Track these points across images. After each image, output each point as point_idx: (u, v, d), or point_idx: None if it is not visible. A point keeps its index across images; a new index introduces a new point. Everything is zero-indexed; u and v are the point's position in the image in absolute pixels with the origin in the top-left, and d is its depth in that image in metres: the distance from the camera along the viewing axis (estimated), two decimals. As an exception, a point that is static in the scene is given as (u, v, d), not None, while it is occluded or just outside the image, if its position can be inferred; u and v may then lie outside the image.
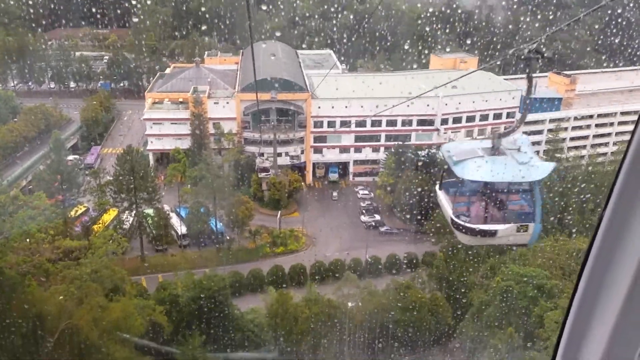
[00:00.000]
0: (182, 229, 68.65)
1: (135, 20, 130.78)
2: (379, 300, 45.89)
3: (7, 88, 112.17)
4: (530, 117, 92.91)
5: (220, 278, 47.85)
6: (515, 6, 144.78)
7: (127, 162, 61.96)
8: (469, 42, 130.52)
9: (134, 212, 64.48)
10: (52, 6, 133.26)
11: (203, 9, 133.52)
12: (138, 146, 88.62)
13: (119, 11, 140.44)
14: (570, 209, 59.46)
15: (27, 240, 43.19)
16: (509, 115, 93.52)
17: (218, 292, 45.18)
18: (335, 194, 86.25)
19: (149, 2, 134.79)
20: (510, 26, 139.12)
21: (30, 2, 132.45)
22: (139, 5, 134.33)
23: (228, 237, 69.72)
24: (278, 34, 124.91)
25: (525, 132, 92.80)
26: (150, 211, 65.97)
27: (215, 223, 69.09)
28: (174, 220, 70.06)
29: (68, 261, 40.91)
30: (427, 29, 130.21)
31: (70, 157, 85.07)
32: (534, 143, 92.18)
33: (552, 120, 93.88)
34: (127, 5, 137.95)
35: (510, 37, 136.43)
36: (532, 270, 42.44)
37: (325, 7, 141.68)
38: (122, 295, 42.44)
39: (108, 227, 63.71)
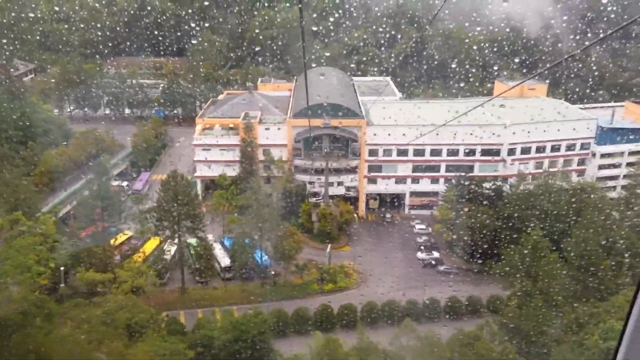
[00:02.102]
0: (225, 261, 64.43)
1: (192, 49, 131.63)
2: (443, 353, 39.57)
3: (63, 113, 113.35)
4: (607, 148, 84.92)
5: (261, 319, 42.85)
6: (579, 33, 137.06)
7: (171, 188, 58.56)
8: (533, 71, 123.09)
9: (177, 241, 60.67)
10: (113, 35, 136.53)
11: (259, 39, 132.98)
12: (187, 173, 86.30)
13: (176, 40, 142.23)
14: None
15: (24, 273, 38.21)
16: (583, 146, 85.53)
17: (258, 336, 40.11)
18: (388, 215, 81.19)
19: (205, 32, 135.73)
20: (575, 52, 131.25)
21: (91, 33, 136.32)
22: (196, 35, 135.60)
23: (274, 271, 64.95)
24: (332, 62, 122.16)
25: (601, 166, 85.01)
26: (193, 241, 62.10)
27: (260, 255, 64.50)
28: (218, 251, 66.04)
29: (80, 298, 36.68)
30: (489, 55, 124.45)
31: (118, 183, 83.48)
32: (610, 178, 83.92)
33: (631, 153, 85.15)
34: (184, 35, 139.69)
35: (575, 63, 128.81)
36: None
37: (382, 35, 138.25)
38: (148, 337, 37.80)
39: (148, 258, 60.26)
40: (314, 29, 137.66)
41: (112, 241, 62.11)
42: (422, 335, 41.97)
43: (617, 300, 40.11)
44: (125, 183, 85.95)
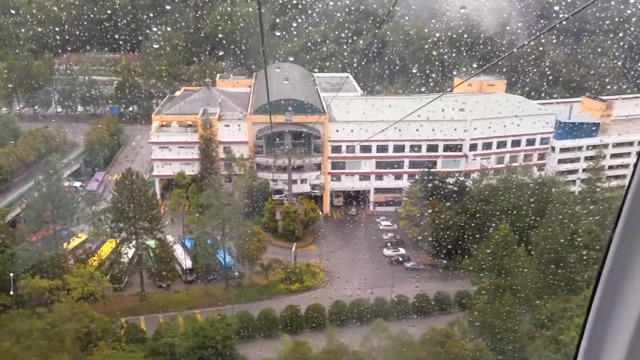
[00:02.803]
0: (187, 263, 61.97)
1: (148, 44, 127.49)
2: (415, 353, 38.52)
3: (13, 112, 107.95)
4: (566, 143, 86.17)
5: (225, 324, 40.80)
6: (535, 30, 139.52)
7: (126, 188, 55.71)
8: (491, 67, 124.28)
9: (134, 243, 57.85)
10: (62, 31, 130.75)
11: (217, 34, 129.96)
12: (144, 172, 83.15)
13: (130, 36, 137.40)
14: None
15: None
16: (542, 141, 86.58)
17: (223, 341, 38.13)
18: (353, 212, 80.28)
19: (161, 27, 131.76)
20: (531, 49, 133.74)
21: (40, 28, 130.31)
22: (151, 30, 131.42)
23: (238, 272, 62.92)
24: (292, 58, 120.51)
25: (561, 160, 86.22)
26: (152, 242, 59.33)
27: (224, 256, 62.30)
28: (179, 252, 63.49)
29: (20, 310, 33.66)
30: (449, 53, 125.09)
31: (71, 184, 79.62)
32: (570, 172, 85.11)
33: (589, 147, 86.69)
34: (139, 30, 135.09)
35: (532, 60, 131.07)
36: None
37: (341, 31, 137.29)
38: (101, 348, 35.10)
39: (104, 262, 57.29)
40: (275, 23, 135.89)
41: (64, 245, 58.72)
42: (394, 335, 40.89)
43: (588, 294, 39.98)
44: (78, 183, 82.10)
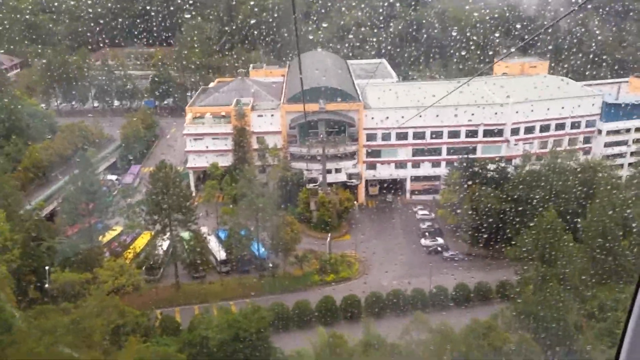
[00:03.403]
0: (221, 254, 61.43)
1: (181, 37, 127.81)
2: (457, 346, 36.69)
3: (51, 107, 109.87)
4: (613, 125, 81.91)
5: (259, 316, 39.74)
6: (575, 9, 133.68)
7: (160, 180, 55.33)
8: (532, 48, 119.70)
9: (169, 235, 57.56)
10: (98, 26, 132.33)
11: (250, 24, 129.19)
12: (179, 164, 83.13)
13: (164, 29, 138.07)
14: None
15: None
16: (588, 123, 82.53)
17: (256, 334, 37.13)
18: (389, 200, 78.55)
19: (194, 19, 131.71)
20: (575, 30, 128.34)
21: (76, 24, 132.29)
22: (185, 23, 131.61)
23: (272, 263, 61.99)
24: (325, 45, 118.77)
25: (608, 143, 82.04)
26: (186, 234, 58.96)
27: (257, 247, 61.50)
28: (213, 244, 63.02)
29: (41, 305, 33.10)
30: (487, 35, 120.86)
31: (107, 177, 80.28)
32: (618, 155, 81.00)
33: (638, 129, 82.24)
34: (172, 23, 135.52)
35: (576, 41, 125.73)
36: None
37: (374, 16, 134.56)
38: (131, 343, 34.32)
39: (139, 254, 57.19)
40: (308, 11, 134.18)
41: (100, 237, 58.99)
42: (434, 327, 39.12)
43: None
44: (114, 177, 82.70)
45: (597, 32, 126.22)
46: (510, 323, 41.14)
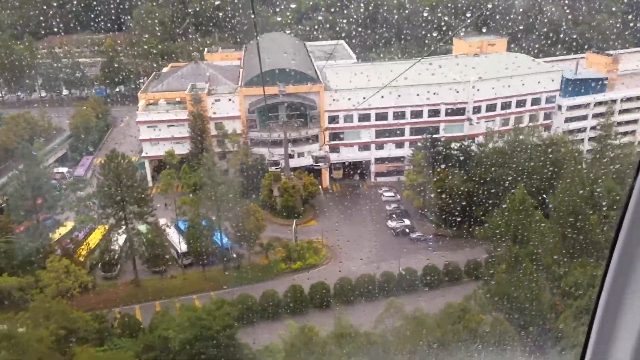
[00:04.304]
0: (182, 246, 58.64)
1: (132, 23, 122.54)
2: (433, 332, 35.31)
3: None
4: (573, 101, 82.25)
5: (224, 312, 37.39)
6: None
7: (112, 171, 52.00)
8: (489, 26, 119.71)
9: (124, 229, 54.37)
10: (44, 14, 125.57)
11: (204, 8, 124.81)
12: (134, 154, 79.39)
13: (114, 15, 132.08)
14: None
15: None
16: (548, 100, 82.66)
17: (222, 331, 34.85)
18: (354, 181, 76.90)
19: (146, 4, 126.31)
20: (530, 9, 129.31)
21: (22, 11, 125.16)
22: (135, 8, 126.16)
23: (236, 253, 59.54)
24: (283, 29, 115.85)
25: (568, 119, 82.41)
26: (143, 227, 55.85)
27: (220, 237, 58.91)
28: (173, 236, 60.14)
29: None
30: (445, 16, 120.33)
31: (57, 170, 76.00)
32: (578, 130, 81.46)
33: (597, 104, 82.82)
34: (123, 8, 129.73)
35: (532, 19, 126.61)
36: None
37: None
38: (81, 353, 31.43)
39: (93, 251, 53.93)
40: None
41: (51, 235, 55.34)
42: (408, 313, 37.70)
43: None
44: (65, 169, 78.26)
45: (552, 10, 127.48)
46: (484, 304, 40.25)
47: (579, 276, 36.98)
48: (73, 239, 55.37)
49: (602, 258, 40.33)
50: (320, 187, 74.31)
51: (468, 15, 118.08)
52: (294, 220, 63.92)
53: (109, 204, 52.64)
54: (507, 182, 60.50)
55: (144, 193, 55.05)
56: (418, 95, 77.34)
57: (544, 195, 53.42)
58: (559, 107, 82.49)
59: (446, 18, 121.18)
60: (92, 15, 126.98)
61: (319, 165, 75.21)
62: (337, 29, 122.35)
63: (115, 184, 52.09)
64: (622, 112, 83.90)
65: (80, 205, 56.61)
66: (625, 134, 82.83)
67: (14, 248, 49.77)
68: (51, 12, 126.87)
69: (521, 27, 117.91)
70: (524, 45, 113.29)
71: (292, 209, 67.68)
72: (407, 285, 54.89)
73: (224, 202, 57.97)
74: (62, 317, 32.00)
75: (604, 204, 45.11)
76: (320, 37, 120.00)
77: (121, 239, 55.91)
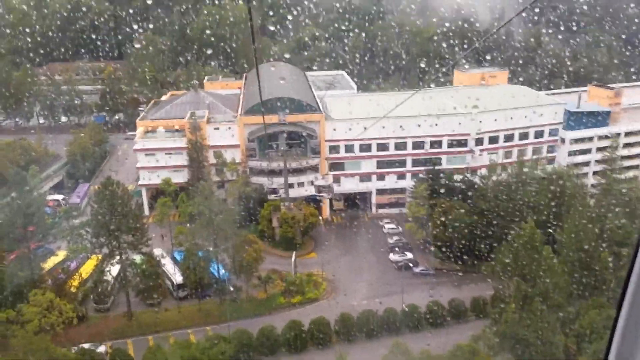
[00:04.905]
0: (177, 278, 56.71)
1: (134, 51, 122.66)
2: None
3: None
4: (577, 134, 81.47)
5: (219, 350, 35.44)
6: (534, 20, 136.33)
7: (106, 199, 50.45)
8: (489, 58, 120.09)
9: (117, 259, 52.51)
10: (45, 41, 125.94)
11: (204, 37, 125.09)
12: (131, 182, 78.09)
13: (116, 43, 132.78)
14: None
15: None
16: (551, 132, 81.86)
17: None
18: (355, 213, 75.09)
19: (148, 33, 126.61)
20: (531, 40, 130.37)
21: (21, 37, 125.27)
22: (136, 37, 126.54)
23: (233, 286, 57.53)
24: (284, 57, 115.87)
25: (571, 152, 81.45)
26: (137, 257, 53.98)
27: (217, 269, 57.06)
28: (168, 267, 58.28)
29: None
30: (445, 46, 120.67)
31: (52, 197, 74.40)
32: (581, 164, 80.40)
33: (600, 138, 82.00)
34: (123, 37, 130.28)
35: (532, 52, 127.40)
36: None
37: (332, 30, 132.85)
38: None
39: (85, 281, 51.98)
40: (264, 25, 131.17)
41: (42, 264, 53.44)
42: (415, 356, 35.73)
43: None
44: (60, 197, 76.70)
45: (551, 45, 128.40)
46: (493, 346, 38.29)
47: (594, 317, 35.17)
48: (65, 269, 53.46)
49: (614, 298, 38.67)
50: (320, 218, 72.79)
51: (467, 46, 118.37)
52: (294, 252, 62.20)
53: (103, 232, 50.92)
54: (512, 216, 59.23)
55: (139, 222, 53.32)
56: (420, 126, 76.54)
57: (550, 230, 52.00)
58: (562, 140, 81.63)
59: (445, 50, 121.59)
60: (94, 43, 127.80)
61: (322, 196, 73.61)
62: (338, 59, 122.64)
63: (110, 213, 50.47)
64: (626, 145, 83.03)
65: (73, 233, 54.79)
66: (629, 168, 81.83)
67: (2, 278, 47.87)
68: (51, 40, 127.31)
69: (522, 61, 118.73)
70: (524, 78, 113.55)
71: (291, 241, 66.03)
72: (410, 322, 52.88)
73: (221, 233, 56.33)
74: (43, 355, 29.98)
75: (614, 240, 43.60)
76: (321, 67, 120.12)
77: (115, 269, 54.07)
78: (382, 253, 67.65)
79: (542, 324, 36.19)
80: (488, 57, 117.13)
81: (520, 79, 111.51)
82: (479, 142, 78.56)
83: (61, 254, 57.21)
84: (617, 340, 3.42)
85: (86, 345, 45.55)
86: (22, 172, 59.75)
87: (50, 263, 55.44)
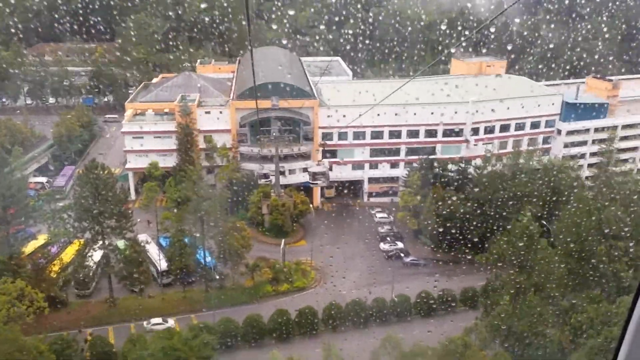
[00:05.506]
0: (162, 264, 55.19)
1: (124, 33, 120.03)
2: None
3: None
4: (573, 126, 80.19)
5: (202, 342, 34.02)
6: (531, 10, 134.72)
7: (90, 182, 48.73)
8: (487, 48, 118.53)
9: (100, 244, 50.91)
10: (35, 21, 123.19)
11: (198, 20, 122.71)
12: (118, 166, 76.40)
13: (106, 25, 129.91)
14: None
15: None
16: (547, 123, 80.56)
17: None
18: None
19: (139, 14, 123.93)
20: (529, 30, 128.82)
21: (13, 17, 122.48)
22: (128, 18, 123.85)
23: (220, 273, 56.13)
24: (283, 41, 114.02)
25: (567, 144, 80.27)
26: (121, 243, 52.43)
27: (204, 255, 55.59)
28: (153, 253, 56.70)
29: None
30: (442, 35, 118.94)
31: (35, 179, 72.61)
32: (576, 156, 79.20)
33: (597, 130, 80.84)
34: (115, 18, 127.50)
35: (528, 42, 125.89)
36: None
37: (331, 14, 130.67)
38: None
39: (67, 266, 50.39)
40: (259, 9, 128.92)
41: (22, 248, 51.80)
42: (407, 349, 34.49)
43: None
44: (44, 179, 74.85)
45: (550, 35, 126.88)
46: (486, 339, 37.14)
47: (592, 312, 34.01)
48: (45, 254, 51.76)
49: (611, 291, 37.64)
50: (311, 205, 71.34)
51: (466, 34, 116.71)
52: (283, 240, 60.86)
53: (85, 217, 49.25)
54: (506, 206, 58.12)
55: (123, 206, 51.62)
56: (415, 114, 75.06)
57: (545, 222, 50.88)
58: (559, 131, 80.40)
59: (442, 37, 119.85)
60: (84, 24, 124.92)
61: (317, 183, 71.79)
62: (334, 45, 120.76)
63: (93, 196, 48.78)
64: (622, 138, 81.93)
65: (55, 217, 53.08)
66: (625, 161, 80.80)
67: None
68: (42, 20, 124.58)
69: (520, 51, 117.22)
70: (522, 67, 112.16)
71: (281, 228, 64.73)
72: (399, 312, 51.81)
73: (209, 219, 54.81)
74: (12, 346, 28.36)
75: (611, 233, 42.47)
76: (317, 53, 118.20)
77: (97, 254, 52.45)
78: (373, 242, 66.49)
79: (537, 317, 35.02)
80: (486, 47, 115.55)
81: (517, 67, 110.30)
82: (474, 131, 77.17)
83: (42, 238, 55.51)
84: (627, 340, 3.30)
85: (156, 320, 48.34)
86: (2, 153, 57.77)
87: (30, 247, 53.74)
